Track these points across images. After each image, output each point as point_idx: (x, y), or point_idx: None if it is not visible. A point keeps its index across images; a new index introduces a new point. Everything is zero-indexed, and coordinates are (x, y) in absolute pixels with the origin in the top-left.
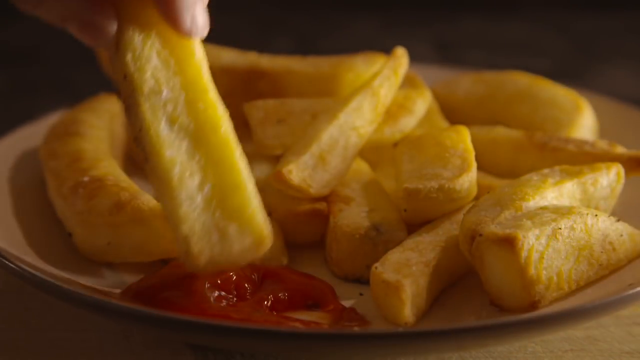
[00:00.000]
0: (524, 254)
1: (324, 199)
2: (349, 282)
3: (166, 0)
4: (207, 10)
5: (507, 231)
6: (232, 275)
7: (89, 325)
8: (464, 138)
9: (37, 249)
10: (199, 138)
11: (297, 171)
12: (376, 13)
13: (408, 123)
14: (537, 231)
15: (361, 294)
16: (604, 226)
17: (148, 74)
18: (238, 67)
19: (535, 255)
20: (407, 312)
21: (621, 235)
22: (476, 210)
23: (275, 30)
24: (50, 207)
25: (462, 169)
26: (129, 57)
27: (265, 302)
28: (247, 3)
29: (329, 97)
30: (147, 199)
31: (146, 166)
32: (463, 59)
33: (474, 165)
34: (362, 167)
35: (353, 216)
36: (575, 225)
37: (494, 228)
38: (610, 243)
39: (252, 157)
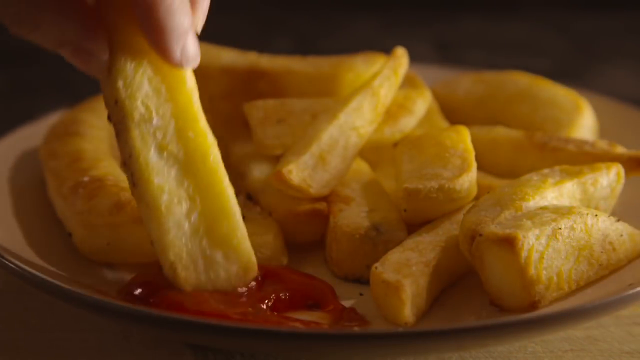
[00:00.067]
0: (524, 254)
1: (324, 199)
2: (349, 282)
3: (155, 33)
4: (197, 40)
5: (507, 231)
6: None
7: (89, 326)
8: (464, 138)
9: (37, 248)
10: (187, 166)
11: (297, 171)
12: (376, 13)
13: (408, 123)
14: (537, 231)
15: (361, 294)
16: (604, 226)
17: (139, 101)
18: (238, 67)
19: (535, 255)
20: (407, 312)
21: (621, 235)
22: (476, 210)
23: (275, 30)
24: (50, 207)
25: (462, 169)
26: (120, 83)
27: (266, 302)
28: (247, 3)
29: (329, 97)
30: None
31: (134, 191)
32: (463, 59)
33: (474, 165)
34: (362, 167)
35: (353, 216)
36: (575, 225)
37: (494, 228)
38: (610, 243)
39: (252, 157)
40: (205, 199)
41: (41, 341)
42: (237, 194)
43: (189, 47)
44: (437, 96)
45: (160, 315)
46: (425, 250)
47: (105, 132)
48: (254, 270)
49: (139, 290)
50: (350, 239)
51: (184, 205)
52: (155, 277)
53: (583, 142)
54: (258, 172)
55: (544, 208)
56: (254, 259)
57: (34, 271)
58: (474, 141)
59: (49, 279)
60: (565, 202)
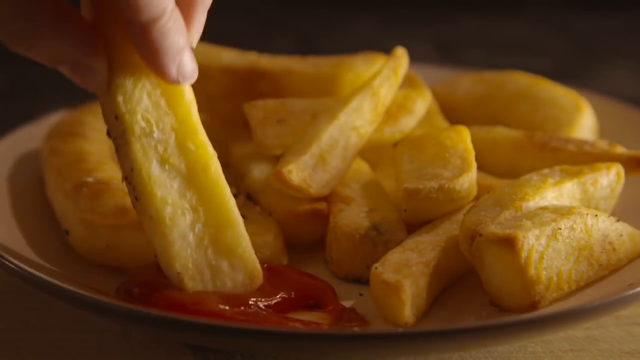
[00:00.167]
0: (524, 254)
1: (324, 199)
2: (349, 282)
3: (150, 53)
4: (193, 56)
5: (507, 231)
6: None
7: (89, 326)
8: (464, 138)
9: (37, 248)
10: (189, 178)
11: (297, 171)
12: (376, 13)
13: (408, 123)
14: (537, 231)
15: (361, 294)
16: (604, 226)
17: (139, 115)
18: (238, 67)
19: (535, 256)
20: (407, 312)
21: (621, 235)
22: (476, 210)
23: (275, 30)
24: (50, 207)
25: (462, 169)
26: (120, 98)
27: (268, 302)
28: (247, 3)
29: (329, 97)
30: None
31: (137, 205)
32: (463, 59)
33: (474, 165)
34: (362, 167)
35: (353, 216)
36: (575, 226)
37: (494, 228)
38: (610, 243)
39: (252, 157)
40: (208, 210)
41: (41, 341)
42: (237, 194)
43: (185, 65)
44: (437, 96)
45: (160, 315)
46: (425, 250)
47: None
48: (260, 279)
49: (136, 290)
50: (350, 239)
51: (188, 217)
52: (153, 277)
53: (583, 142)
54: (258, 172)
55: (544, 208)
56: (259, 267)
57: (33, 271)
58: (474, 141)
59: (49, 279)
60: (565, 202)
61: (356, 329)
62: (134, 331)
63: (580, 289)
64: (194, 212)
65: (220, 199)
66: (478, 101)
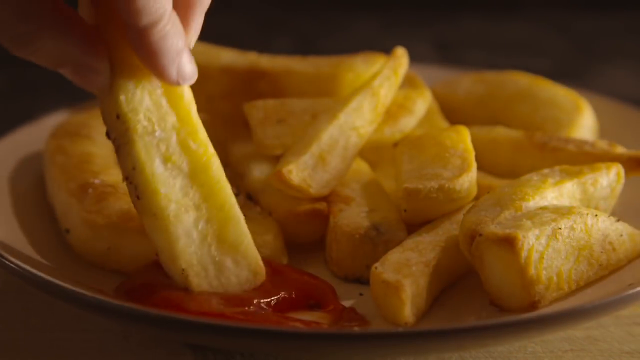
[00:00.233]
0: (524, 254)
1: (324, 199)
2: (349, 282)
3: (149, 57)
4: (192, 57)
5: (507, 231)
6: None
7: (89, 326)
8: (464, 138)
9: (37, 248)
10: (191, 176)
11: (297, 171)
12: (376, 13)
13: (408, 123)
14: (537, 231)
15: (361, 294)
16: (604, 226)
17: (141, 115)
18: (238, 67)
19: (535, 255)
20: (407, 312)
21: (621, 235)
22: (476, 210)
23: (275, 30)
24: (50, 207)
25: (462, 169)
26: (122, 98)
27: (268, 302)
28: (247, 3)
29: (329, 97)
30: None
31: (138, 204)
32: (463, 59)
33: (474, 165)
34: (362, 167)
35: (353, 216)
36: (575, 225)
37: (494, 228)
38: (610, 243)
39: (252, 157)
40: (211, 207)
41: (41, 341)
42: (237, 193)
43: (184, 66)
44: (437, 96)
45: (160, 315)
46: (425, 250)
47: None
48: (263, 275)
49: (136, 290)
50: (350, 239)
51: (191, 214)
52: (153, 277)
53: (583, 142)
54: (258, 172)
55: (544, 208)
56: (261, 263)
57: (34, 271)
58: (474, 141)
59: (49, 278)
60: (565, 202)
61: (356, 329)
62: (134, 331)
63: (580, 289)
64: (196, 209)
65: (222, 196)
66: (478, 101)
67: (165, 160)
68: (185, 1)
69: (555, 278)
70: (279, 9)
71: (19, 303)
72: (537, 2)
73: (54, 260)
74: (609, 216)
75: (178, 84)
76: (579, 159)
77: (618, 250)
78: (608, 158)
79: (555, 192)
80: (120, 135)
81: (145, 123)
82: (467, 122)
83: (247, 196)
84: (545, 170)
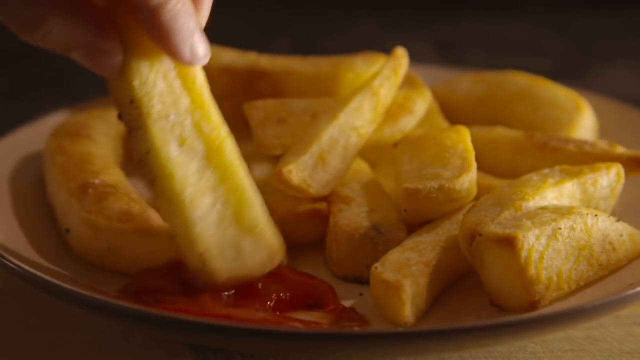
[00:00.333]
0: (524, 254)
1: (324, 199)
2: (349, 282)
3: (162, 37)
4: (204, 36)
5: (507, 231)
6: None
7: (89, 326)
8: (464, 138)
9: (37, 248)
10: (207, 158)
11: (297, 171)
12: (376, 13)
13: (408, 123)
14: (537, 231)
15: (361, 294)
16: (604, 226)
17: (155, 99)
18: (238, 67)
19: (535, 255)
20: (407, 312)
21: (621, 235)
22: (476, 210)
23: (275, 30)
24: (50, 207)
25: (462, 169)
26: (136, 82)
27: (268, 303)
28: (247, 3)
29: (329, 97)
30: (155, 215)
31: (153, 187)
32: (463, 59)
33: (474, 165)
34: (362, 167)
35: (353, 216)
36: (575, 225)
37: (494, 228)
38: (610, 243)
39: (252, 157)
40: (226, 189)
41: (42, 341)
42: None
43: (197, 46)
44: (437, 96)
45: (160, 315)
46: (425, 250)
47: (114, 142)
48: (282, 253)
49: (142, 293)
50: (350, 239)
51: (207, 197)
52: (158, 282)
53: (583, 142)
54: (258, 172)
55: (544, 208)
56: (278, 242)
57: (34, 271)
58: (474, 141)
59: (50, 279)
60: (565, 202)
61: (356, 329)
62: (135, 331)
63: (580, 288)
64: (212, 192)
65: (237, 177)
66: (478, 101)
67: (180, 143)
68: None
69: (555, 278)
70: (278, 9)
71: (19, 303)
72: (537, 2)
73: (54, 260)
74: (609, 216)
75: (191, 63)
76: (579, 159)
77: (618, 250)
78: (608, 158)
79: (555, 192)
80: (133, 119)
81: (159, 107)
82: (467, 122)
83: None
84: (545, 170)
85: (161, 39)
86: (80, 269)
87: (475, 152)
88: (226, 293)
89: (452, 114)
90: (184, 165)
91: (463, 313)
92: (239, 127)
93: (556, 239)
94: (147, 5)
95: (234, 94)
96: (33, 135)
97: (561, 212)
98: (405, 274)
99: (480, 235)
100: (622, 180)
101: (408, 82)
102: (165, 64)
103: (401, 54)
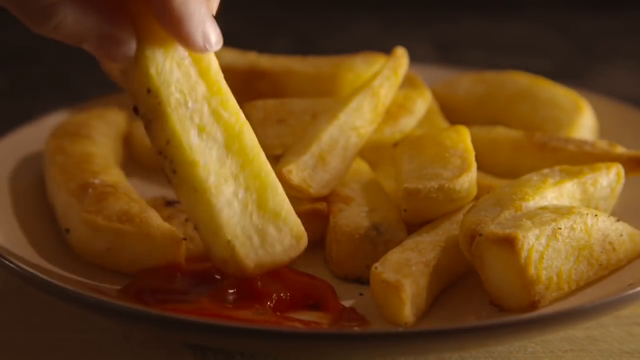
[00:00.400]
0: (523, 254)
1: (324, 199)
2: (349, 282)
3: (174, 23)
4: (215, 23)
5: (507, 231)
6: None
7: (89, 326)
8: (464, 138)
9: (37, 248)
10: (227, 145)
11: (297, 171)
12: (376, 13)
13: (408, 123)
14: (537, 231)
15: (361, 294)
16: (604, 226)
17: (173, 87)
18: (238, 67)
19: (535, 255)
20: (407, 312)
21: (621, 235)
22: (476, 210)
23: (275, 30)
24: (50, 207)
25: (462, 169)
26: (153, 71)
27: (268, 303)
28: (247, 3)
29: (329, 97)
30: (155, 215)
31: (174, 178)
32: (463, 59)
33: (474, 165)
34: (362, 167)
35: (353, 216)
36: (575, 225)
37: (494, 228)
38: (610, 243)
39: None
40: (248, 176)
41: (42, 341)
42: None
43: (209, 32)
44: (437, 96)
45: (160, 315)
46: (425, 250)
47: (114, 143)
48: (305, 240)
49: (144, 294)
50: (350, 239)
51: (230, 184)
52: (155, 281)
53: (583, 142)
54: None
55: (544, 208)
56: (302, 227)
57: (34, 271)
58: (474, 141)
59: (50, 279)
60: (565, 202)
61: (356, 329)
62: (135, 331)
63: (580, 288)
64: (235, 179)
65: (257, 163)
66: (478, 101)
67: (200, 131)
68: None
69: (555, 278)
70: (278, 8)
71: (20, 303)
72: (537, 2)
73: (54, 260)
74: (609, 216)
75: (205, 49)
76: (579, 159)
77: (618, 250)
78: (608, 158)
79: (555, 192)
80: (151, 110)
81: (177, 95)
82: (467, 122)
83: None
84: (545, 170)
85: (173, 25)
86: (80, 269)
87: (475, 152)
88: (230, 291)
89: (452, 114)
90: (205, 153)
91: (463, 313)
92: None
93: (556, 239)
94: None
95: (234, 94)
96: (33, 135)
97: (561, 212)
98: (405, 274)
99: (480, 235)
100: (622, 180)
101: (408, 82)
102: (180, 52)
103: (401, 54)
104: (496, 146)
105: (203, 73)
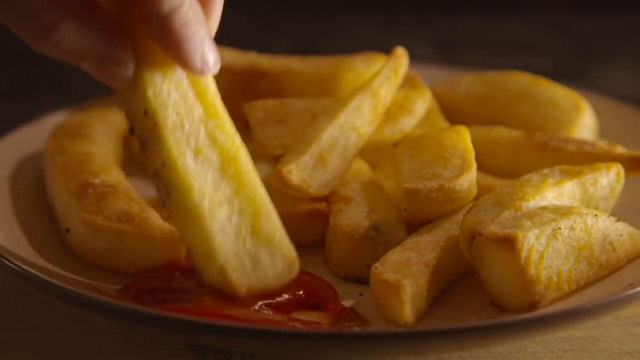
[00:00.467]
0: (523, 254)
1: (324, 199)
2: (349, 282)
3: (173, 45)
4: (214, 45)
5: (507, 231)
6: None
7: (89, 326)
8: (464, 138)
9: (37, 248)
10: (222, 169)
11: (297, 171)
12: (376, 13)
13: (408, 123)
14: (537, 231)
15: (361, 294)
16: (604, 226)
17: (170, 109)
18: (238, 67)
19: (535, 255)
20: (407, 312)
21: (621, 235)
22: (476, 210)
23: (275, 30)
24: (50, 207)
25: (462, 169)
26: (150, 92)
27: (271, 302)
28: (247, 3)
29: (329, 97)
30: (155, 216)
31: (168, 201)
32: (463, 59)
33: (474, 165)
34: (362, 167)
35: (353, 216)
36: (575, 225)
37: (494, 228)
38: (610, 243)
39: (252, 157)
40: (242, 200)
41: (42, 341)
42: None
43: (208, 55)
44: (437, 96)
45: (160, 315)
46: (425, 250)
47: (114, 142)
48: (297, 267)
49: (143, 293)
50: (350, 239)
51: (224, 209)
52: (155, 281)
53: (583, 142)
54: (258, 172)
55: (544, 208)
56: (295, 253)
57: (34, 271)
58: (474, 141)
59: (50, 279)
60: (565, 202)
61: (356, 329)
62: (135, 331)
63: (580, 288)
64: (229, 203)
65: (252, 187)
66: (478, 101)
67: (196, 154)
68: None
69: (555, 278)
70: (278, 8)
71: (20, 303)
72: (537, 2)
73: (54, 260)
74: (609, 216)
75: (203, 72)
76: (579, 159)
77: (618, 250)
78: (608, 158)
79: (555, 192)
80: (147, 131)
81: (174, 117)
82: (467, 122)
83: None
84: (545, 170)
85: (172, 47)
86: (80, 269)
87: (475, 152)
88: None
89: (452, 114)
90: (200, 176)
91: (463, 313)
92: (239, 127)
93: (556, 239)
94: (159, 12)
95: (234, 94)
96: (33, 135)
97: (561, 212)
98: (405, 274)
99: (480, 235)
100: (622, 180)
101: (408, 82)
102: (178, 74)
103: (401, 54)
104: (496, 146)
105: (200, 95)
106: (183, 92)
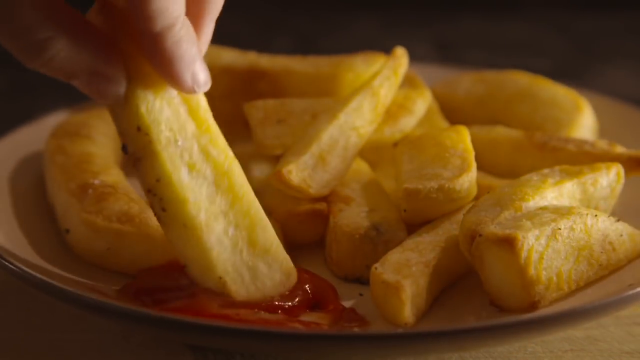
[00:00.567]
0: (523, 254)
1: (324, 199)
2: (349, 282)
3: (164, 63)
4: (205, 64)
5: (507, 231)
6: None
7: (89, 326)
8: (464, 138)
9: (37, 248)
10: (216, 183)
11: (297, 171)
12: (376, 13)
13: (408, 123)
14: (536, 231)
15: (361, 294)
16: (604, 226)
17: (163, 125)
18: (238, 67)
19: (535, 256)
20: (407, 313)
21: (621, 235)
22: (476, 210)
23: (275, 30)
24: (50, 207)
25: (462, 169)
26: (143, 109)
27: (283, 305)
28: (247, 3)
29: (329, 97)
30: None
31: (164, 216)
32: (463, 59)
33: (474, 165)
34: (362, 167)
35: (353, 216)
36: (575, 226)
37: (493, 228)
38: (610, 243)
39: (252, 157)
40: (237, 213)
41: (41, 341)
42: None
43: (199, 74)
44: (437, 96)
45: (160, 315)
46: (425, 250)
47: (114, 142)
48: (295, 276)
49: (143, 293)
50: (350, 239)
51: (220, 222)
52: (159, 281)
53: (583, 142)
54: (258, 172)
55: (543, 208)
56: (291, 263)
57: (34, 272)
58: (474, 141)
59: (49, 280)
60: (565, 202)
61: (356, 329)
62: (135, 331)
63: (580, 289)
64: (224, 216)
65: (247, 200)
66: (478, 101)
67: (190, 168)
68: (197, 8)
69: (555, 278)
70: (278, 8)
71: (19, 303)
72: (537, 2)
73: (54, 261)
74: (609, 216)
75: (193, 91)
76: (579, 159)
77: (618, 250)
78: (608, 158)
79: (555, 192)
80: (141, 148)
81: (167, 133)
82: (467, 122)
83: None
84: (545, 170)
85: (164, 66)
86: (80, 269)
87: (475, 152)
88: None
89: (452, 114)
90: (195, 191)
91: (463, 313)
92: (239, 127)
93: (556, 239)
94: (151, 30)
95: (234, 94)
96: (33, 135)
97: (561, 212)
98: (405, 275)
99: (480, 235)
100: (622, 180)
101: (408, 82)
102: (170, 91)
103: (401, 54)
104: (496, 146)
105: (192, 112)
106: (175, 108)
